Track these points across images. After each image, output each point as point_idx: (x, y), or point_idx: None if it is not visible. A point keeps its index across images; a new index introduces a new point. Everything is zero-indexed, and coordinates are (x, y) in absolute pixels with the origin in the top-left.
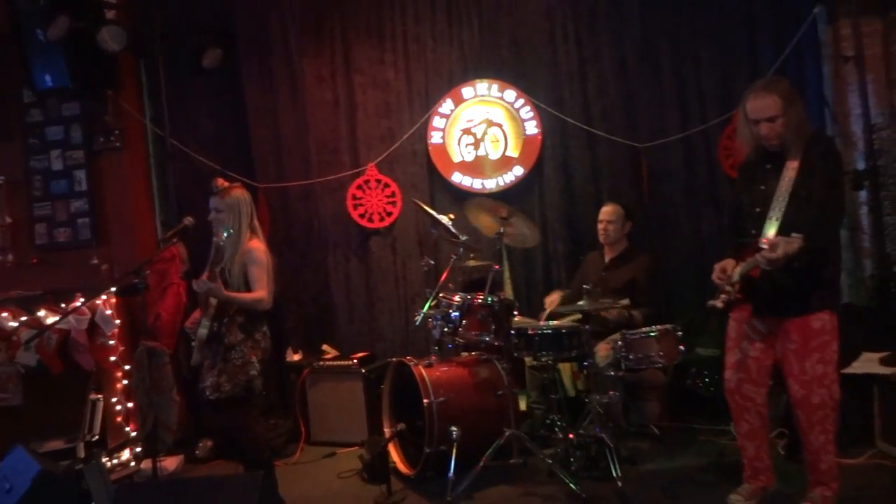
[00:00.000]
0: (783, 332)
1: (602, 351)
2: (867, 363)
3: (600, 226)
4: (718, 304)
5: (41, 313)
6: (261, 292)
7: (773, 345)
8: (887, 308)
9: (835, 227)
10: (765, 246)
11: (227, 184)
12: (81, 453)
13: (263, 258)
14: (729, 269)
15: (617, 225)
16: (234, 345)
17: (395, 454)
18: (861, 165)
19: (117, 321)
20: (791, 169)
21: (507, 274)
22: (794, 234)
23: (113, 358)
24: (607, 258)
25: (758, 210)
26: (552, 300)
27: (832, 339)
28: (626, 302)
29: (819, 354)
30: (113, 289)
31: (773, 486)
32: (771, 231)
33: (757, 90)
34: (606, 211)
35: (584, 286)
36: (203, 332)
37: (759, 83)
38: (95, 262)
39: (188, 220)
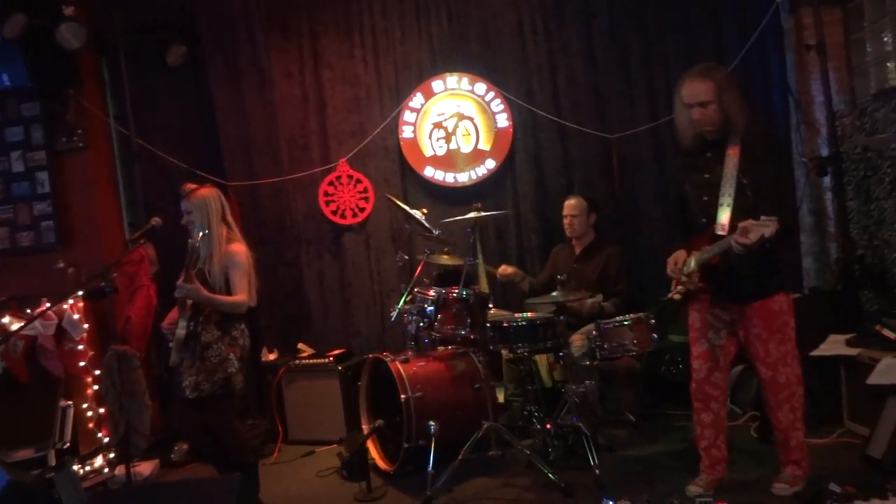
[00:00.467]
0: (744, 317)
1: (577, 341)
2: (834, 345)
3: (566, 220)
4: (676, 296)
5: (6, 320)
6: (241, 296)
7: (736, 332)
8: (852, 291)
9: (792, 206)
10: (721, 233)
11: (194, 186)
12: (52, 461)
13: (244, 261)
14: (681, 261)
15: (581, 218)
16: (210, 343)
17: (373, 450)
18: (825, 152)
19: (86, 325)
20: (733, 155)
21: (481, 267)
22: (764, 218)
23: (82, 363)
24: (577, 250)
25: (705, 198)
26: (504, 269)
27: (790, 318)
28: (598, 297)
29: (780, 335)
30: (80, 292)
31: (727, 477)
32: (724, 217)
33: (693, 75)
34: (570, 205)
35: (558, 277)
36: (181, 332)
37: (695, 68)
38: (61, 265)
39: (156, 221)
